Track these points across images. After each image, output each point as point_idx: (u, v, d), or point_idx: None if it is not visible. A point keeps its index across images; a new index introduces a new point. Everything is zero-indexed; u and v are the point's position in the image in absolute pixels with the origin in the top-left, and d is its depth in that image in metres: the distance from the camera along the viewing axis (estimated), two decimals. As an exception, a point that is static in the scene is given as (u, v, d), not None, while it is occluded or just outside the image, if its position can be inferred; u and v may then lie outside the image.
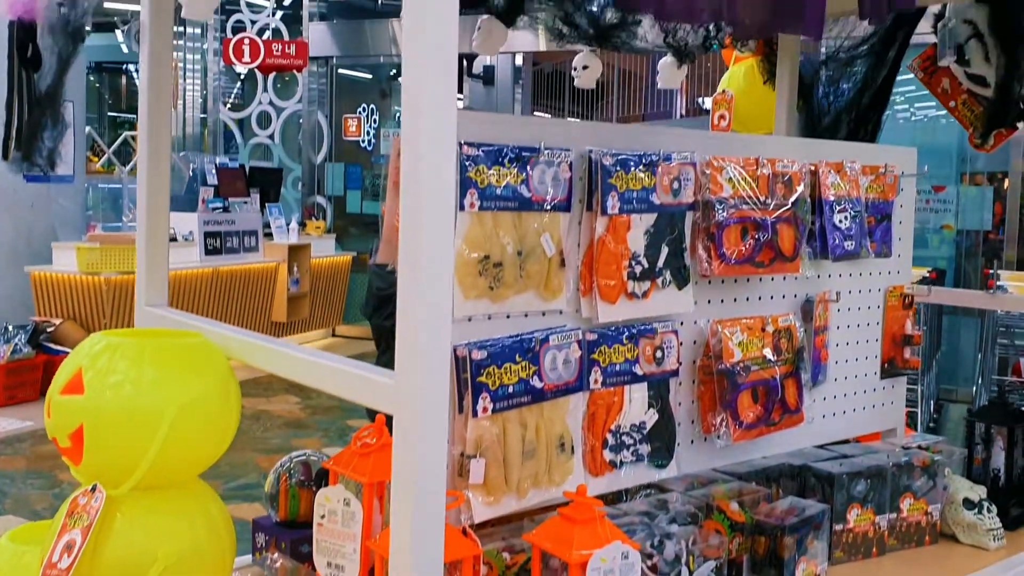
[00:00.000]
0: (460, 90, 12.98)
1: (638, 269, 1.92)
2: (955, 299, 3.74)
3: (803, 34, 1.55)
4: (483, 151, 1.70)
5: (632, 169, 1.90)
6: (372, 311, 2.92)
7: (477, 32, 3.02)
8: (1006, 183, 8.56)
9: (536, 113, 13.89)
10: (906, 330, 2.48)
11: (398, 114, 13.67)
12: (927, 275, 6.86)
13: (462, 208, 1.67)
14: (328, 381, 1.46)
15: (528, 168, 1.76)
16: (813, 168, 2.24)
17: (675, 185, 1.98)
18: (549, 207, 1.78)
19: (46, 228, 8.42)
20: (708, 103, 4.97)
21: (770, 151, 2.17)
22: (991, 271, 7.13)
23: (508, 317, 1.74)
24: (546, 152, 1.78)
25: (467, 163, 1.68)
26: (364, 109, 12.11)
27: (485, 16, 3.04)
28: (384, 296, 2.86)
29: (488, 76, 12.78)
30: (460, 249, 1.67)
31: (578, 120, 2.13)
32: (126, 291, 7.43)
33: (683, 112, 13.42)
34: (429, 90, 1.24)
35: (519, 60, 12.15)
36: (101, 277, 7.54)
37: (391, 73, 12.56)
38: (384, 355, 2.89)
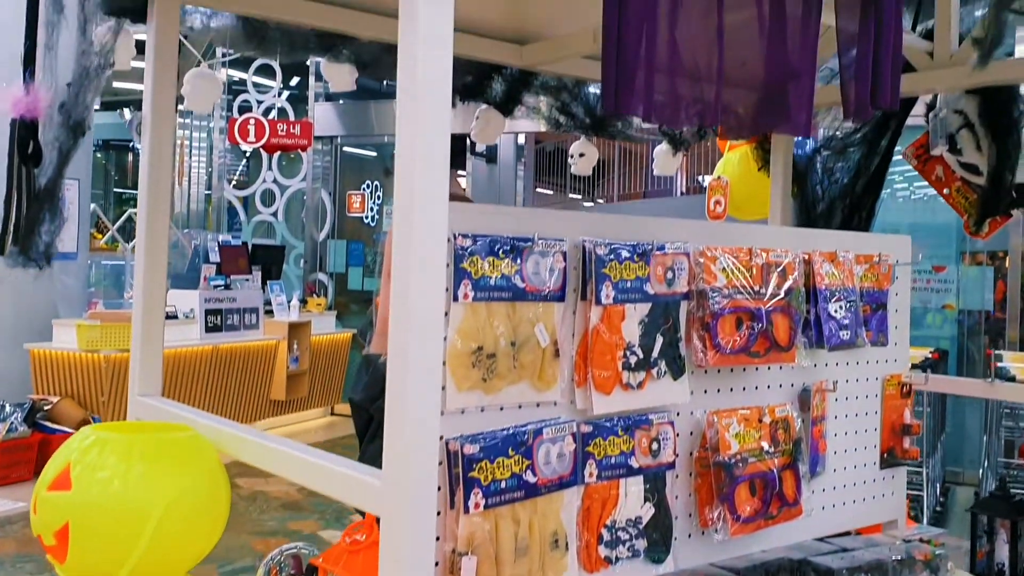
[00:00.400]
0: (463, 167, 13.16)
1: (633, 359, 1.92)
2: (954, 388, 3.72)
3: (792, 134, 1.57)
4: (477, 242, 1.71)
5: (626, 259, 1.91)
6: (375, 393, 2.86)
7: (476, 121, 3.08)
8: (1007, 262, 8.59)
9: (539, 190, 14.05)
10: (905, 419, 2.46)
11: (401, 192, 13.81)
12: (929, 356, 6.83)
13: (456, 299, 1.67)
14: (316, 480, 1.45)
15: (522, 258, 1.76)
16: (807, 257, 2.25)
17: (669, 275, 1.99)
18: (543, 297, 1.79)
19: (48, 305, 8.44)
20: (708, 181, 5.03)
21: (763, 240, 2.18)
22: (993, 352, 7.11)
23: (501, 409, 1.73)
24: (540, 242, 1.79)
25: (461, 254, 1.69)
26: (368, 186, 12.26)
27: (483, 106, 3.10)
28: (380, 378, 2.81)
29: (491, 154, 12.95)
30: (453, 340, 1.66)
31: (571, 210, 2.19)
32: (125, 369, 7.41)
33: (683, 190, 13.56)
34: (421, 184, 1.25)
35: (521, 139, 12.35)
36: (101, 355, 7.54)
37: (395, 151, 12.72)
38: (371, 444, 2.82)
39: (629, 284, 1.91)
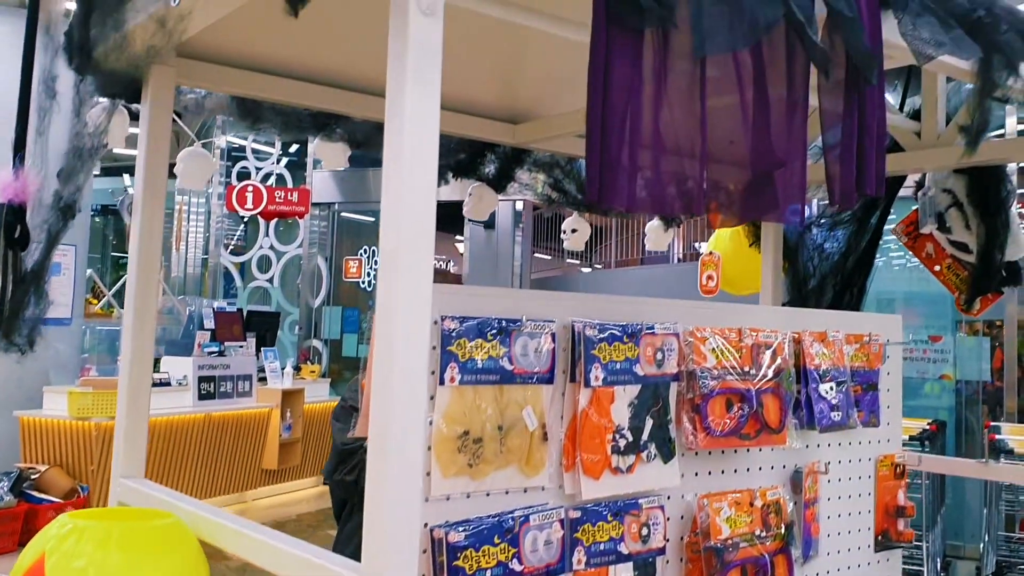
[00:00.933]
0: (461, 232, 13.24)
1: (622, 442, 1.90)
2: (948, 468, 3.68)
3: (782, 222, 1.58)
4: (464, 324, 1.70)
5: (616, 340, 1.90)
6: (333, 467, 2.80)
7: (468, 198, 3.10)
8: (1004, 331, 8.57)
9: (536, 255, 14.09)
10: (899, 501, 2.43)
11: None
12: (927, 427, 6.78)
13: (442, 383, 1.66)
14: (294, 571, 1.42)
15: (510, 340, 1.76)
16: (797, 337, 2.24)
17: (659, 356, 1.98)
18: (532, 379, 1.78)
19: (39, 371, 8.39)
20: (704, 247, 5.05)
21: (753, 320, 2.18)
22: (992, 423, 7.06)
23: (488, 495, 1.70)
24: (529, 323, 1.78)
25: (448, 337, 1.68)
26: (365, 251, 12.31)
27: (476, 183, 3.12)
28: (347, 450, 2.76)
29: (489, 220, 13.04)
30: (439, 425, 1.65)
31: (560, 292, 2.19)
32: (115, 437, 7.32)
33: (680, 256, 13.61)
34: (406, 264, 1.26)
35: (519, 205, 12.45)
36: (91, 422, 7.46)
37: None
38: (348, 523, 2.76)
39: (619, 365, 1.90)
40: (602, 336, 1.88)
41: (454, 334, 1.69)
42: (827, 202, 3.26)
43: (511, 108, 2.85)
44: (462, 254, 14.20)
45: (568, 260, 17.59)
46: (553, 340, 1.81)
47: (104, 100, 1.98)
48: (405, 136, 1.28)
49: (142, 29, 1.64)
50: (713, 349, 2.05)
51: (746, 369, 2.08)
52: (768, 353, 2.14)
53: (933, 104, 2.87)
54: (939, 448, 7.28)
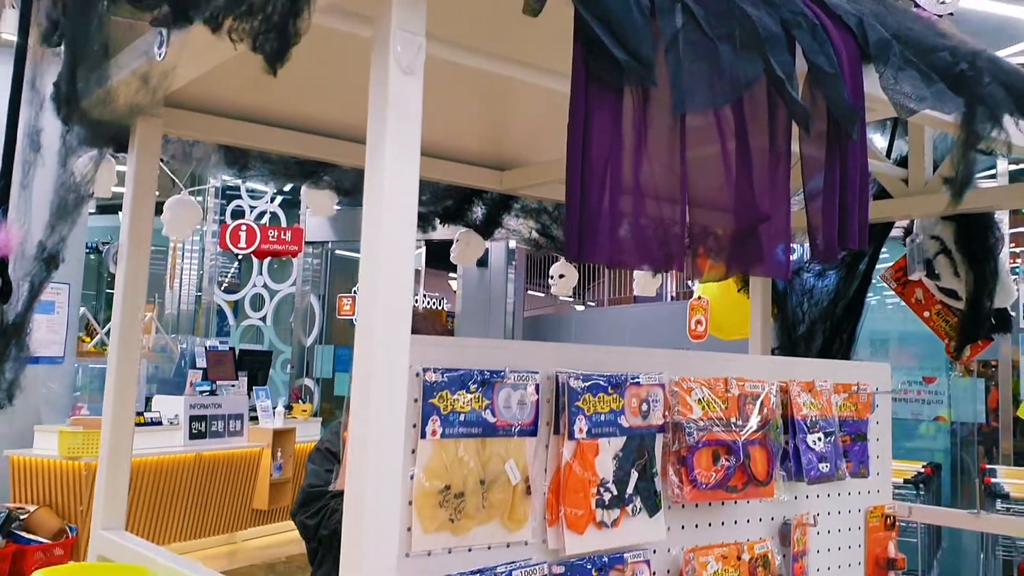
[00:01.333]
0: (455, 271, 13.24)
1: (607, 496, 1.88)
2: (940, 519, 3.65)
3: (768, 276, 1.58)
4: (446, 376, 1.69)
5: (600, 391, 1.89)
6: (297, 507, 2.75)
7: (455, 244, 3.10)
8: (998, 371, 8.54)
9: (530, 292, 14.09)
10: (889, 553, 2.40)
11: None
12: (922, 470, 6.75)
13: (423, 436, 1.64)
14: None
15: (493, 392, 1.74)
16: (784, 387, 2.23)
17: (644, 407, 1.96)
18: (515, 432, 1.76)
19: (31, 410, 8.33)
20: (697, 286, 5.04)
21: (739, 369, 2.17)
22: (988, 466, 7.02)
23: (470, 550, 1.68)
24: (512, 375, 1.77)
25: (430, 389, 1.67)
26: (358, 289, 12.29)
27: (464, 229, 3.13)
28: (313, 493, 2.68)
29: (482, 259, 13.05)
30: (420, 479, 1.63)
31: (544, 342, 2.19)
32: (104, 477, 7.25)
33: (673, 295, 13.61)
34: (384, 318, 1.25)
35: (512, 243, 12.48)
36: (82, 462, 7.40)
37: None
38: (319, 570, 2.70)
39: (603, 417, 1.88)
40: (586, 387, 1.87)
41: (436, 386, 1.68)
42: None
43: (498, 155, 2.86)
44: (455, 292, 14.21)
45: (561, 298, 17.59)
46: (537, 391, 1.80)
47: (91, 150, 1.97)
48: (384, 193, 1.28)
49: (125, 85, 1.65)
50: (699, 400, 2.04)
51: (733, 420, 2.07)
52: (755, 403, 2.13)
53: (920, 151, 2.88)
54: (935, 491, 7.23)
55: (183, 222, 2.48)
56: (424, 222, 3.03)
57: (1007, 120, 1.89)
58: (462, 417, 1.69)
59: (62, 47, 1.70)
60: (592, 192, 1.34)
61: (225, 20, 1.30)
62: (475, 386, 1.72)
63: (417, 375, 1.65)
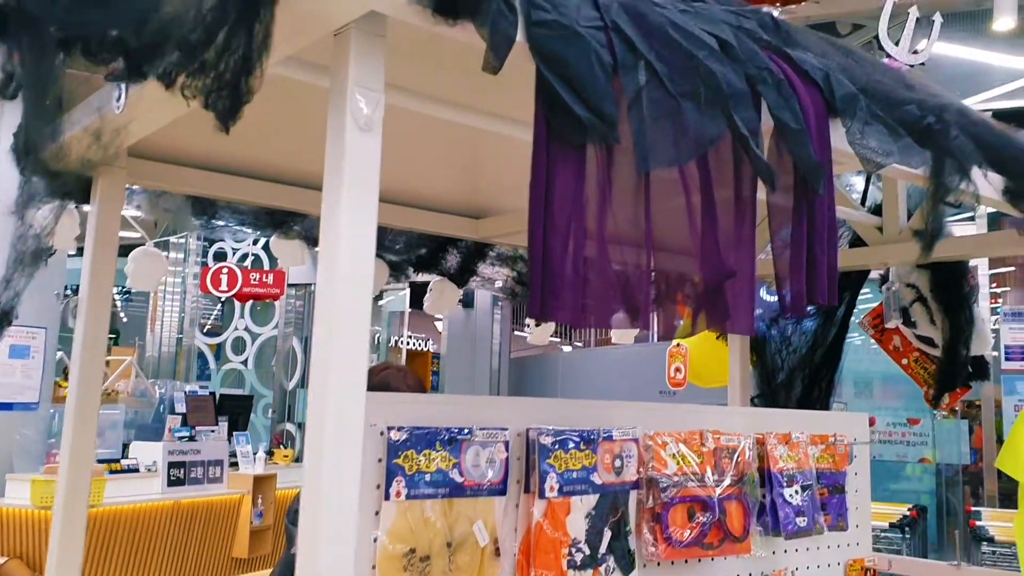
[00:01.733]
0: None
1: (579, 556, 1.83)
2: (920, 571, 3.60)
3: (733, 332, 1.55)
4: (413, 435, 1.65)
5: (572, 447, 1.85)
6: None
7: (429, 293, 3.07)
8: (981, 411, 8.53)
9: (516, 333, 14.04)
10: (870, 608, 2.36)
11: (377, 336, 13.78)
12: (907, 513, 6.71)
13: (387, 497, 1.60)
14: None
15: (461, 450, 1.70)
16: (760, 439, 2.20)
17: (617, 463, 1.92)
18: (483, 491, 1.72)
19: (3, 458, 8.19)
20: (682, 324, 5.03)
21: (715, 421, 2.14)
22: (973, 508, 6.98)
23: (435, 616, 1.63)
24: (480, 432, 1.73)
25: (395, 448, 1.63)
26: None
27: (437, 278, 3.10)
28: (293, 559, 2.54)
29: (468, 300, 13.03)
30: (383, 543, 1.58)
31: (514, 397, 2.16)
32: (79, 527, 7.11)
33: (659, 334, 13.58)
34: (338, 380, 1.21)
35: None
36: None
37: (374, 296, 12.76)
38: None
39: (575, 474, 1.84)
40: (557, 443, 1.83)
41: (401, 445, 1.63)
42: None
43: (473, 203, 2.84)
44: (441, 333, 14.13)
45: (549, 339, 17.56)
46: (506, 449, 1.76)
47: (52, 201, 1.94)
48: (340, 255, 1.25)
49: (77, 141, 1.62)
50: (673, 455, 2.00)
51: (708, 475, 2.03)
52: (730, 457, 2.09)
53: (894, 200, 2.89)
54: (921, 534, 7.18)
55: (148, 274, 2.44)
56: (397, 271, 3.00)
57: (975, 172, 1.88)
58: (428, 477, 1.65)
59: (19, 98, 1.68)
60: (555, 251, 1.32)
61: (178, 76, 1.28)
62: (442, 445, 1.68)
63: (382, 434, 1.62)
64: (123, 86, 1.56)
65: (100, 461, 7.77)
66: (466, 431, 1.71)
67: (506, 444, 1.76)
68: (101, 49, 1.33)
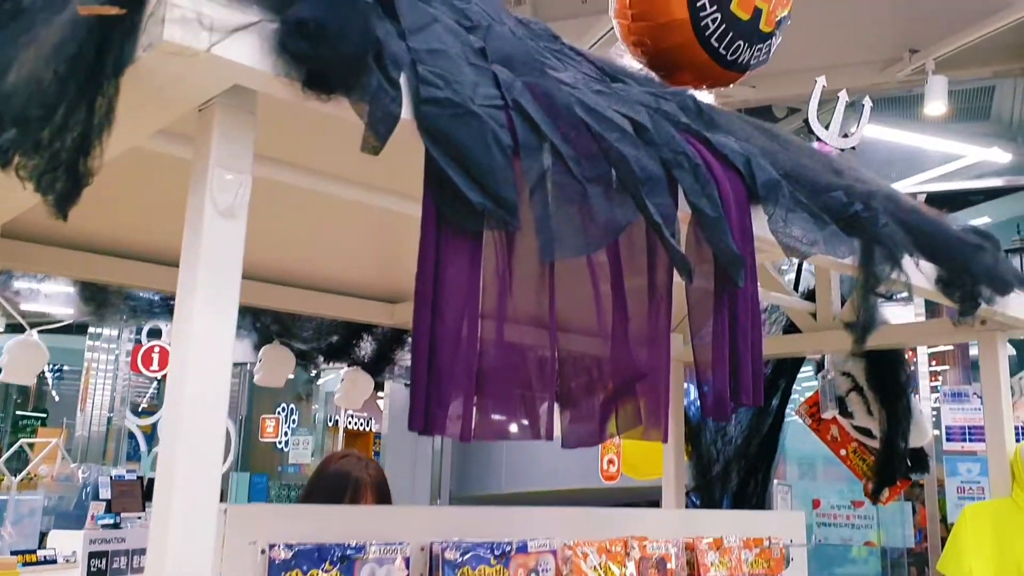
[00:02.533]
0: (381, 389, 12.90)
1: None
2: None
3: (646, 439, 1.41)
4: (298, 553, 1.47)
5: (481, 563, 1.68)
6: None
7: (340, 384, 2.90)
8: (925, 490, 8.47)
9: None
10: None
11: (315, 416, 13.40)
12: (855, 599, 6.56)
13: (266, 632, 1.41)
14: None
15: (354, 570, 1.53)
16: (690, 544, 2.04)
17: (532, 578, 1.75)
18: (379, 617, 1.53)
19: None
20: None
21: (640, 527, 1.98)
22: (917, 597, 6.85)
23: None
24: (375, 548, 1.56)
25: (278, 570, 1.45)
26: (283, 409, 11.89)
27: (350, 368, 2.92)
28: None
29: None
30: None
31: (415, 506, 2.00)
32: (-16, 625, 6.65)
33: (565, 443, 13.39)
34: (181, 503, 1.04)
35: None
36: (-42, 611, 6.78)
37: (312, 375, 12.46)
38: None
39: (485, 592, 1.67)
40: (465, 559, 1.66)
41: (285, 565, 1.45)
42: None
43: (389, 287, 2.69)
44: (383, 412, 13.77)
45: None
46: (407, 566, 1.59)
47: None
48: (190, 352, 1.09)
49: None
50: (595, 567, 1.84)
51: (632, 588, 1.86)
52: (657, 568, 1.93)
53: (826, 286, 2.81)
54: (870, 619, 7.02)
55: (25, 367, 2.24)
56: (306, 359, 2.82)
57: (907, 261, 1.79)
58: (315, 602, 1.46)
59: None
60: (443, 355, 1.17)
61: (14, 156, 1.13)
62: (332, 564, 1.50)
63: (263, 552, 1.44)
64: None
65: (14, 552, 7.33)
66: (360, 548, 1.53)
67: (406, 561, 1.59)
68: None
